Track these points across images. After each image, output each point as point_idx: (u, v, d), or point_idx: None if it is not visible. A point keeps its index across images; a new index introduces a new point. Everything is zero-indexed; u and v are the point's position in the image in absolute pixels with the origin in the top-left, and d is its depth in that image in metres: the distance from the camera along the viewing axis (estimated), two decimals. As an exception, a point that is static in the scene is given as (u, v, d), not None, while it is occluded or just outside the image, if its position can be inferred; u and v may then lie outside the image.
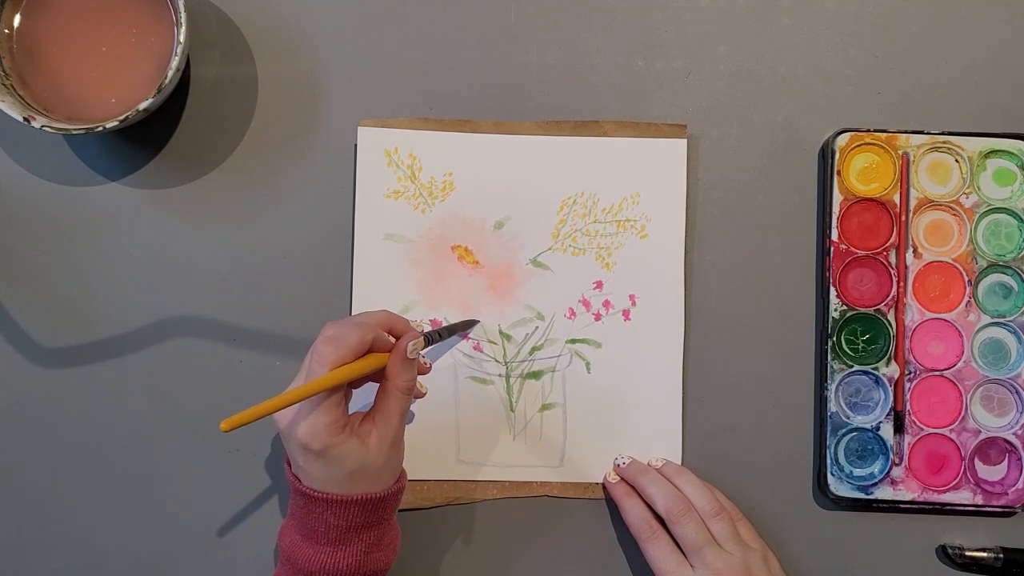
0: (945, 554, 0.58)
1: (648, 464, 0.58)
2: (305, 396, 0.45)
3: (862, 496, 0.57)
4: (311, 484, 0.48)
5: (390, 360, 0.49)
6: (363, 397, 0.52)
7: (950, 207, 0.58)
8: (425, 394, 0.56)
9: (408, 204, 0.59)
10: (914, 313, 0.58)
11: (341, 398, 0.47)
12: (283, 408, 0.45)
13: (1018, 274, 0.58)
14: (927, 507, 0.58)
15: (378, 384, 0.50)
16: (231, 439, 0.58)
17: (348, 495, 0.48)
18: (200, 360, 0.58)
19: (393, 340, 0.50)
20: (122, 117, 0.53)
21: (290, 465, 0.50)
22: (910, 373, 0.58)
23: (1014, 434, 0.58)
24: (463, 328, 0.58)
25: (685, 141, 0.59)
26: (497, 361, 0.59)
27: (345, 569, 0.48)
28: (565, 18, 0.60)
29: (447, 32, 0.60)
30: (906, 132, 0.59)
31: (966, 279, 0.58)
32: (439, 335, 0.54)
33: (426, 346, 0.52)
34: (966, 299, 0.58)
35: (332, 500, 0.47)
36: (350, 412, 0.49)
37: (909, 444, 0.58)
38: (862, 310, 0.58)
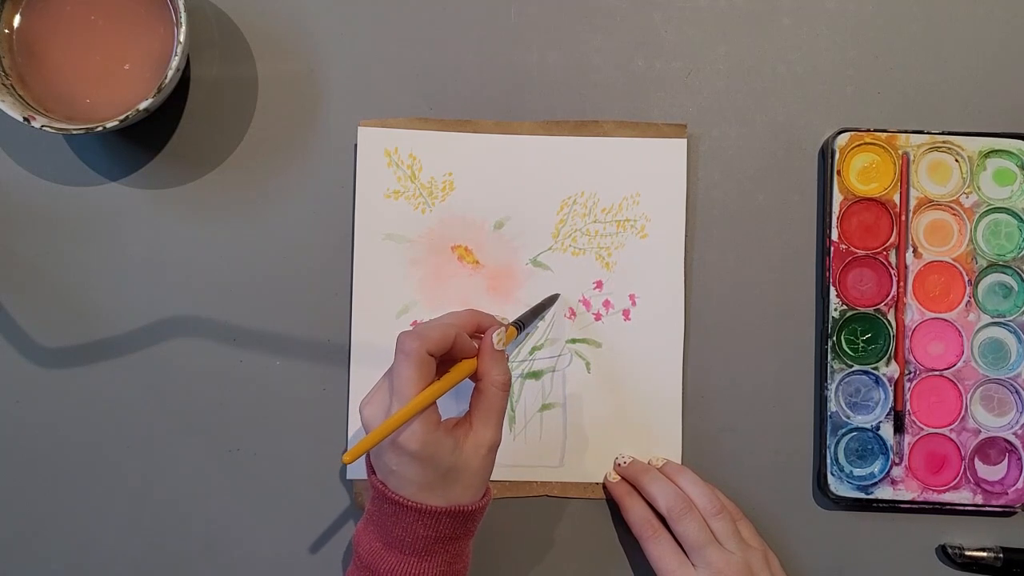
0: (945, 554, 0.58)
1: (649, 463, 0.58)
2: (410, 415, 0.45)
3: (862, 496, 0.57)
4: (400, 489, 0.47)
5: (480, 357, 0.49)
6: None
7: (950, 207, 0.59)
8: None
9: (408, 204, 0.59)
10: (914, 313, 0.58)
11: None
12: (396, 429, 0.45)
13: (1018, 274, 0.58)
14: (927, 507, 0.58)
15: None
16: (231, 439, 0.58)
17: (440, 506, 0.46)
18: (200, 360, 0.58)
19: (475, 344, 0.49)
20: (122, 117, 0.53)
21: (373, 471, 0.49)
22: (910, 373, 0.58)
23: (1014, 434, 0.58)
24: (548, 305, 0.58)
25: (685, 141, 0.59)
26: (497, 361, 0.59)
27: None
28: (565, 18, 0.60)
29: (447, 32, 0.60)
30: (906, 132, 0.59)
31: (966, 279, 0.58)
32: (526, 320, 0.54)
33: (519, 333, 0.52)
34: (966, 299, 0.58)
35: (424, 510, 0.46)
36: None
37: (909, 444, 0.58)
38: (862, 310, 0.58)
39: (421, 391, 0.46)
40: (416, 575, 0.47)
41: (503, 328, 0.50)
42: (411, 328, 0.47)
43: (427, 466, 0.46)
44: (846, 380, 0.58)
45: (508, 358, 0.54)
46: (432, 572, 0.47)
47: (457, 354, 0.49)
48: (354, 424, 0.58)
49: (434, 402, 0.47)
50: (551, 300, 0.58)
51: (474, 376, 0.49)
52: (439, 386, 0.47)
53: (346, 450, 0.46)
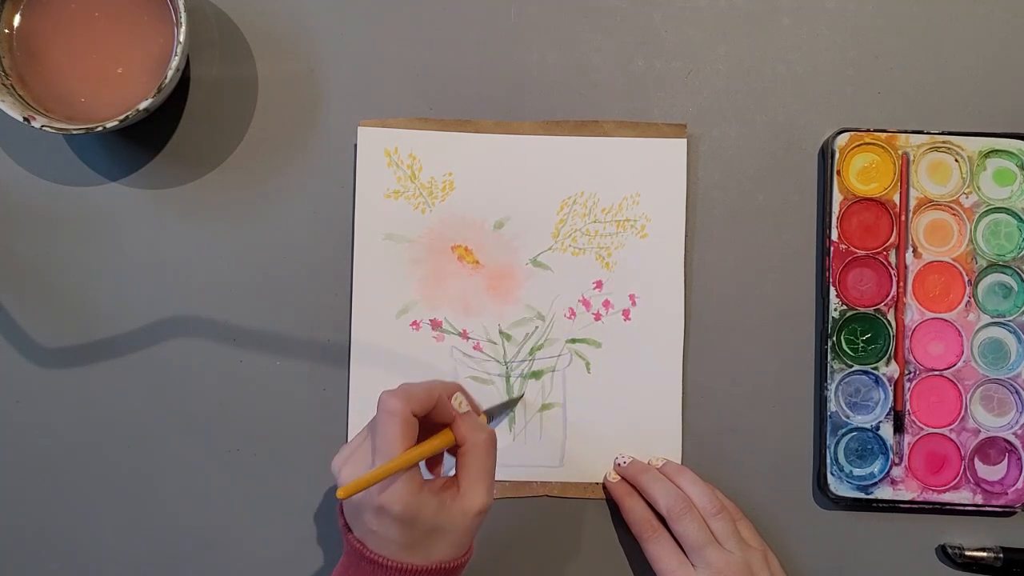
0: (945, 554, 0.58)
1: (648, 463, 0.58)
2: (398, 468, 0.44)
3: (862, 496, 0.57)
4: (380, 549, 0.45)
5: (454, 423, 0.48)
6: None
7: (950, 207, 0.59)
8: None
9: (408, 204, 0.59)
10: (914, 313, 0.58)
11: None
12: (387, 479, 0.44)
13: (1018, 274, 0.58)
14: (927, 507, 0.58)
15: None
16: (231, 439, 0.58)
17: (422, 565, 0.45)
18: (200, 360, 0.58)
19: (456, 412, 0.49)
20: (122, 117, 0.53)
21: (349, 529, 0.47)
22: (910, 373, 0.58)
23: (1014, 434, 0.58)
24: (511, 407, 0.58)
25: (685, 141, 0.59)
26: (497, 361, 0.59)
27: None
28: (565, 18, 0.60)
29: (447, 32, 0.60)
30: (906, 132, 0.59)
31: (966, 279, 0.58)
32: (494, 413, 0.55)
33: (489, 423, 0.52)
34: (966, 299, 0.58)
35: (405, 569, 0.45)
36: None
37: (909, 444, 0.58)
38: (862, 310, 0.58)
39: (405, 451, 0.44)
40: None
41: (459, 393, 0.49)
42: (394, 388, 0.46)
43: (409, 527, 0.45)
44: (846, 380, 0.58)
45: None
46: None
47: (436, 419, 0.48)
48: (354, 424, 0.58)
49: (417, 464, 0.46)
50: (511, 403, 0.58)
51: (455, 445, 0.48)
52: (422, 449, 0.46)
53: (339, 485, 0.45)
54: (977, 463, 0.58)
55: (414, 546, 0.45)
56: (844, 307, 0.58)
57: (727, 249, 0.60)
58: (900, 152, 0.58)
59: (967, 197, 0.58)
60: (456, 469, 0.48)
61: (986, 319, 0.58)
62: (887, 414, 0.58)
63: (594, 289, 0.59)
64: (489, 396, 0.58)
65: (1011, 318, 0.58)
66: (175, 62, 0.53)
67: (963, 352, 0.58)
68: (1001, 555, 0.57)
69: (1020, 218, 0.58)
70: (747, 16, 0.60)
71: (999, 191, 0.59)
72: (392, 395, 0.45)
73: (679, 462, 0.58)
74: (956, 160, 0.59)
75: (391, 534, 0.45)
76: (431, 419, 0.48)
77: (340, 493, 0.43)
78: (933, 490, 0.57)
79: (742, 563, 0.52)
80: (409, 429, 0.45)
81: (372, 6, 0.60)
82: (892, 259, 0.58)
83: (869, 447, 0.58)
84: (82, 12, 0.55)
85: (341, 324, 0.58)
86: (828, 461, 0.58)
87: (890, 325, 0.58)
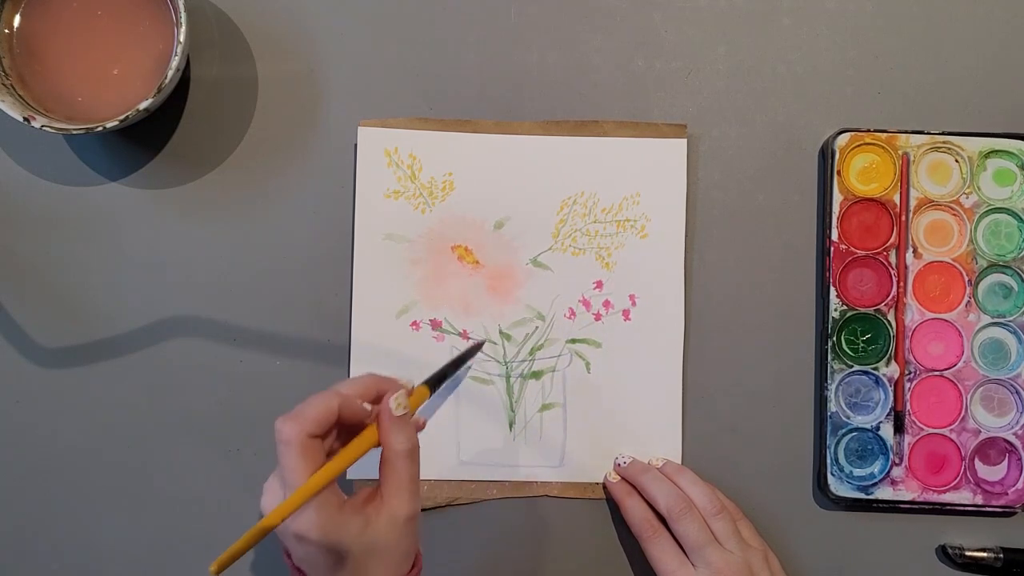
0: (945, 554, 0.58)
1: (648, 463, 0.58)
2: (287, 513, 0.40)
3: (862, 496, 0.57)
4: (316, 575, 0.43)
5: (379, 425, 0.44)
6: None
7: (950, 207, 0.58)
8: (423, 426, 0.50)
9: (408, 204, 0.59)
10: (914, 313, 0.58)
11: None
12: (266, 535, 0.40)
13: (1018, 274, 0.58)
14: (927, 507, 0.58)
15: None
16: (231, 439, 0.58)
17: None
18: (200, 360, 0.58)
19: (368, 408, 0.45)
20: (122, 117, 0.53)
21: (290, 556, 0.44)
22: (910, 373, 0.58)
23: (1014, 434, 0.58)
24: (471, 354, 0.55)
25: (685, 141, 0.59)
26: (497, 361, 0.59)
27: None
28: (565, 18, 0.60)
29: (447, 32, 0.60)
30: (906, 132, 0.59)
31: (966, 279, 0.58)
32: (443, 376, 0.50)
33: (433, 392, 0.48)
34: (966, 299, 0.58)
35: None
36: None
37: (909, 444, 0.58)
38: (862, 310, 0.58)
39: (310, 477, 0.41)
40: None
41: (402, 391, 0.45)
42: (288, 412, 0.43)
43: (335, 553, 0.41)
44: (846, 380, 0.58)
45: (420, 422, 0.48)
46: None
47: (353, 421, 0.44)
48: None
49: (330, 484, 0.42)
50: (474, 349, 0.56)
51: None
52: (332, 467, 0.42)
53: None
54: (977, 463, 0.58)
55: (347, 570, 0.42)
56: (844, 307, 0.58)
57: (727, 249, 0.59)
58: (900, 152, 0.58)
59: (967, 197, 0.58)
60: (379, 476, 0.45)
61: (986, 319, 0.58)
62: (887, 414, 0.58)
63: (594, 289, 0.59)
64: (489, 396, 0.58)
65: (1011, 318, 0.58)
66: (175, 62, 0.53)
67: (963, 352, 0.58)
68: (1001, 555, 0.57)
69: (1020, 218, 0.58)
70: (747, 16, 0.60)
71: (999, 191, 0.59)
72: (283, 421, 0.42)
73: (679, 462, 0.58)
74: (956, 160, 0.59)
75: (320, 562, 0.42)
76: (352, 425, 0.44)
77: (212, 568, 0.39)
78: (933, 490, 0.57)
79: (742, 563, 0.52)
80: (310, 454, 0.42)
81: (372, 6, 0.60)
82: (892, 259, 0.58)
83: (869, 447, 0.58)
84: (82, 12, 0.55)
85: (341, 324, 0.58)
86: (828, 461, 0.58)
87: (890, 325, 0.58)
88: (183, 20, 0.53)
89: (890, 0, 0.60)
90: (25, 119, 0.53)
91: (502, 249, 0.59)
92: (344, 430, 0.45)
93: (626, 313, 0.59)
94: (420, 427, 0.48)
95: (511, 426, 0.59)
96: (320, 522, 0.41)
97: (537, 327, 0.59)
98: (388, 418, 0.44)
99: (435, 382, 0.49)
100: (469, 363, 0.57)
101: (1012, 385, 0.58)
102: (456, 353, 0.55)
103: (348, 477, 0.58)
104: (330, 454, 0.44)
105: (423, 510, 0.58)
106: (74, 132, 0.53)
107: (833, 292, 0.58)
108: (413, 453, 0.44)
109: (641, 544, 0.55)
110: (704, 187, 0.60)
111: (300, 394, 0.58)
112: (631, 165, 0.59)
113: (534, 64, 0.60)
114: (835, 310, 0.58)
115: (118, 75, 0.55)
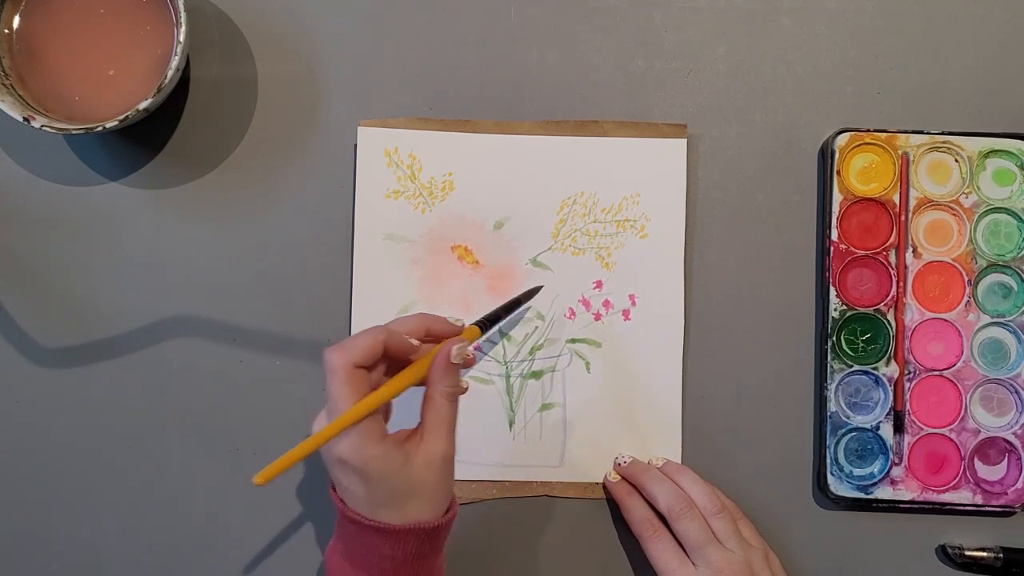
0: (945, 554, 0.58)
1: (649, 463, 0.58)
2: (332, 434, 0.42)
3: (862, 496, 0.57)
4: (358, 507, 0.45)
5: (432, 367, 0.46)
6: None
7: (950, 207, 0.59)
8: (473, 362, 0.51)
9: (408, 204, 0.59)
10: (914, 313, 0.58)
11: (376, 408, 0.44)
12: (317, 449, 0.42)
13: (1018, 274, 0.58)
14: (927, 507, 0.58)
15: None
16: (231, 439, 0.58)
17: (400, 525, 0.44)
18: (200, 360, 0.58)
19: (415, 343, 0.47)
20: (122, 117, 0.53)
21: (335, 488, 0.47)
22: (910, 373, 0.58)
23: (1014, 434, 0.58)
24: (527, 298, 0.56)
25: (685, 141, 0.59)
26: (497, 361, 0.59)
27: None
28: (565, 18, 0.60)
29: (447, 32, 0.60)
30: (906, 132, 0.59)
31: (966, 279, 0.58)
32: (496, 317, 0.51)
33: (484, 333, 0.50)
34: (966, 299, 0.58)
35: (382, 529, 0.44)
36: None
37: (909, 444, 0.58)
38: (862, 310, 0.58)
39: (354, 405, 0.43)
40: None
41: (464, 343, 0.46)
42: (336, 343, 0.45)
43: (375, 482, 0.43)
44: (846, 380, 0.58)
45: (471, 359, 0.50)
46: None
47: (400, 357, 0.46)
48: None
49: (374, 413, 0.44)
50: (531, 293, 0.56)
51: (424, 383, 0.46)
52: (377, 396, 0.44)
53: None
54: (977, 463, 0.58)
55: (386, 503, 0.44)
56: (844, 307, 0.58)
57: (727, 249, 0.60)
58: (900, 152, 0.58)
59: (967, 197, 0.58)
60: (421, 414, 0.47)
61: (986, 319, 0.58)
62: (887, 414, 0.58)
63: (594, 289, 0.59)
64: (489, 396, 0.58)
65: (1011, 318, 0.58)
66: (175, 62, 0.53)
67: (963, 352, 0.58)
68: (1001, 555, 0.57)
69: (1020, 218, 0.58)
70: (747, 16, 0.60)
71: (999, 191, 0.59)
72: (331, 351, 0.44)
73: (679, 462, 0.58)
74: (956, 160, 0.59)
75: (358, 490, 0.44)
76: (397, 360, 0.46)
77: (257, 479, 0.41)
78: (933, 490, 0.57)
79: (743, 562, 0.52)
80: (355, 383, 0.44)
81: (372, 6, 0.60)
82: (892, 259, 0.58)
83: (869, 447, 0.58)
84: (82, 12, 0.55)
85: (341, 324, 0.58)
86: (828, 461, 0.58)
87: (890, 325, 0.58)
88: (183, 20, 0.53)
89: (890, 0, 0.60)
90: (25, 119, 0.53)
91: (502, 249, 0.59)
92: (392, 364, 0.47)
93: (626, 313, 0.59)
94: (470, 364, 0.50)
95: (511, 426, 0.59)
96: (362, 448, 0.42)
97: (537, 327, 0.59)
98: (443, 362, 0.45)
99: (487, 323, 0.50)
100: (526, 306, 0.56)
101: (1012, 385, 0.58)
102: (513, 297, 0.56)
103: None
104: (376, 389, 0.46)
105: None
106: (74, 132, 0.53)
107: (833, 292, 0.58)
108: (454, 396, 0.46)
109: (641, 544, 0.55)
110: (704, 187, 0.60)
111: (300, 394, 0.59)
112: (631, 165, 0.59)
113: (534, 64, 0.60)
114: (835, 310, 0.58)
115: (118, 75, 0.55)
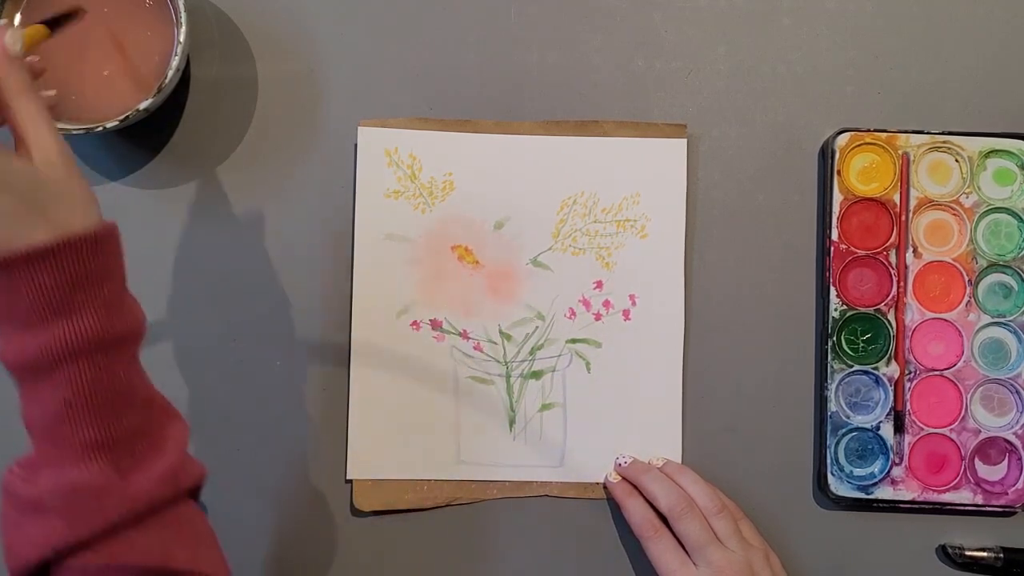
0: (945, 554, 0.58)
1: (649, 463, 0.58)
2: None
3: (862, 496, 0.57)
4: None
5: None
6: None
7: (950, 207, 0.59)
8: (42, 73, 0.47)
9: (408, 204, 0.59)
10: (914, 313, 0.58)
11: None
12: None
13: (1018, 274, 0.58)
14: (927, 507, 0.58)
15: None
16: (231, 439, 0.58)
17: (49, 241, 0.38)
18: (200, 359, 0.58)
19: None
20: (122, 117, 0.53)
21: None
22: (910, 373, 0.58)
23: (1014, 434, 0.58)
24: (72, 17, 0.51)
25: (685, 141, 0.59)
26: (497, 361, 0.59)
27: (82, 340, 0.39)
28: (565, 18, 0.60)
29: (447, 32, 0.60)
30: (906, 132, 0.59)
31: (966, 279, 0.58)
32: (65, 17, 0.48)
33: (53, 32, 0.46)
34: (966, 299, 0.58)
35: (32, 254, 0.38)
36: None
37: (909, 444, 0.58)
38: (862, 310, 0.58)
39: None
40: (69, 338, 0.39)
41: (16, 28, 0.42)
42: None
43: (5, 193, 0.38)
44: (846, 380, 0.58)
45: (38, 68, 0.46)
46: (88, 330, 0.39)
47: None
48: (354, 424, 0.58)
49: None
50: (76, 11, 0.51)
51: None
52: None
53: None
54: (977, 463, 0.58)
55: (22, 216, 0.39)
56: (844, 307, 0.58)
57: (727, 249, 0.60)
58: (900, 152, 0.58)
59: (967, 197, 0.58)
60: (10, 126, 0.42)
61: (986, 319, 0.58)
62: (887, 414, 0.58)
63: (594, 289, 0.59)
64: (489, 396, 0.58)
65: (1011, 318, 0.58)
66: (175, 62, 0.53)
67: (963, 352, 0.58)
68: (1001, 555, 0.57)
69: (1020, 218, 0.58)
70: (747, 16, 0.60)
71: (999, 191, 0.59)
72: None
73: (679, 462, 0.58)
74: (956, 160, 0.59)
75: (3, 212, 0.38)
76: None
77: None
78: (933, 490, 0.57)
79: (744, 562, 0.52)
80: None
81: (372, 6, 0.60)
82: (892, 259, 0.58)
83: (869, 447, 0.58)
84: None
85: (341, 324, 0.58)
86: (828, 461, 0.58)
87: (890, 325, 0.58)
88: (183, 20, 0.53)
89: (890, 0, 0.60)
90: (25, 119, 0.53)
91: (502, 249, 0.59)
92: None
93: (626, 313, 0.59)
94: (39, 73, 0.46)
95: (511, 426, 0.58)
96: None
97: (537, 327, 0.59)
98: (3, 57, 0.41)
99: (55, 22, 0.47)
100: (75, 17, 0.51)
101: (1012, 385, 0.58)
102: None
103: (348, 478, 0.58)
104: None
105: (423, 509, 0.58)
106: (74, 132, 0.53)
107: (833, 292, 0.58)
108: (27, 87, 0.41)
109: (642, 544, 0.55)
110: (704, 187, 0.60)
111: (300, 394, 0.58)
112: (631, 165, 0.59)
113: (534, 64, 0.60)
114: (835, 310, 0.58)
115: (118, 75, 0.55)
